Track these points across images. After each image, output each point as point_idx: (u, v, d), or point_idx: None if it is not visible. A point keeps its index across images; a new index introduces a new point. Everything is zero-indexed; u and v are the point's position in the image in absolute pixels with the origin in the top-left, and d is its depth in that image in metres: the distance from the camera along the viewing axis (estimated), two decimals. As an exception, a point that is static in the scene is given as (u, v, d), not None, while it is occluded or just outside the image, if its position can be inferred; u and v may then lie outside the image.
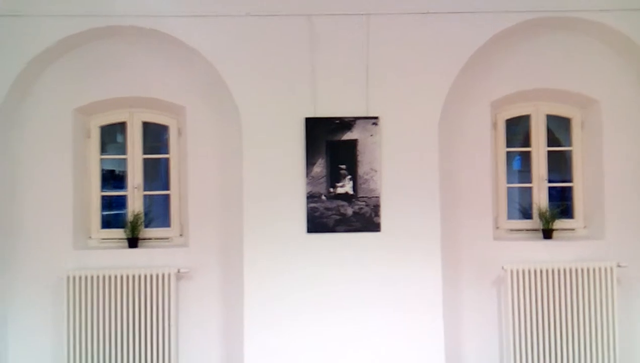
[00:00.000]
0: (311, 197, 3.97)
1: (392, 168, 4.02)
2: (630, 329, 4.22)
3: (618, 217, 4.26)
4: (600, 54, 4.26)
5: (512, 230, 4.44)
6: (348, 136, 4.00)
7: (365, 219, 3.98)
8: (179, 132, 4.36)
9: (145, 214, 4.34)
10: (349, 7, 3.98)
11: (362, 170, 3.99)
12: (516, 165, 4.52)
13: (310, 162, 3.98)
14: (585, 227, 4.44)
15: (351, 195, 3.98)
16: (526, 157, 4.54)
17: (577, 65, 4.25)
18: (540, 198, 4.42)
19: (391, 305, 3.98)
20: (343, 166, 3.99)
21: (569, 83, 4.27)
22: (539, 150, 4.43)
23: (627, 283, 4.21)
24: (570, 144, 4.49)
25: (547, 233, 4.33)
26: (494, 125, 4.40)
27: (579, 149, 4.47)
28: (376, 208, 3.99)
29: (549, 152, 4.45)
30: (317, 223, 3.97)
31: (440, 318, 3.99)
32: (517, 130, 4.62)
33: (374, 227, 3.98)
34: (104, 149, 4.46)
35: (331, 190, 3.98)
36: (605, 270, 4.11)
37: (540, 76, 4.25)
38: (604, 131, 4.29)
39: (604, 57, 4.26)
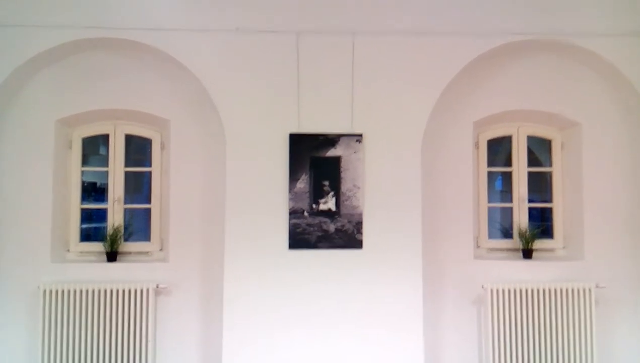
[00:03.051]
0: (294, 213, 3.96)
1: (375, 185, 4.03)
2: (608, 350, 4.25)
3: (597, 238, 4.32)
4: (583, 78, 4.35)
5: (492, 249, 4.47)
6: (332, 153, 4.01)
7: (347, 236, 3.98)
8: (163, 146, 4.34)
9: (125, 228, 4.29)
10: (336, 25, 4.03)
11: (345, 186, 4.00)
12: (497, 185, 4.57)
13: (293, 177, 3.98)
14: (564, 247, 4.49)
15: (334, 211, 3.98)
16: (507, 177, 4.59)
17: (559, 88, 4.33)
18: (521, 219, 4.47)
19: (372, 321, 3.97)
20: (326, 182, 4.00)
21: (551, 105, 4.34)
22: (519, 170, 4.49)
23: (606, 304, 4.26)
24: (550, 165, 4.56)
25: (527, 253, 4.37)
26: (476, 144, 4.45)
27: (559, 170, 4.54)
28: (358, 226, 3.99)
29: (529, 172, 4.51)
30: (299, 240, 3.95)
31: (420, 336, 3.97)
32: (498, 150, 4.68)
33: (356, 244, 3.98)
34: (85, 161, 4.42)
35: (314, 206, 3.98)
36: (584, 291, 4.15)
37: (522, 97, 4.33)
38: (584, 153, 4.36)
39: (587, 80, 4.35)
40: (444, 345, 4.24)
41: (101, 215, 4.34)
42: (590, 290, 4.14)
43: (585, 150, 4.36)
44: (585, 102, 4.35)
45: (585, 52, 4.18)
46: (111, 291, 3.96)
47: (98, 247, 4.23)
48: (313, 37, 4.04)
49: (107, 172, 4.32)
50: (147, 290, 3.98)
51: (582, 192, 4.36)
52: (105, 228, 4.27)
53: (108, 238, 4.17)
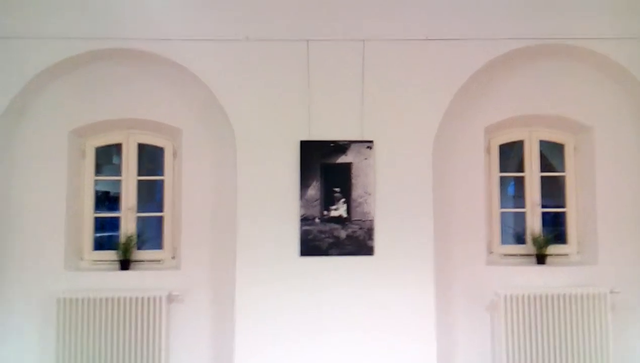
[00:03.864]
0: (305, 220, 3.97)
1: (386, 191, 4.03)
2: (624, 355, 4.19)
3: (611, 242, 4.27)
4: (595, 81, 4.32)
5: (505, 255, 4.44)
6: (342, 159, 4.02)
7: (358, 243, 3.97)
8: (175, 154, 4.37)
9: (138, 236, 4.32)
10: (346, 33, 4.05)
11: (356, 193, 4.00)
12: (510, 190, 4.54)
13: (304, 184, 3.99)
14: (578, 252, 4.44)
15: (345, 218, 3.98)
16: (520, 182, 4.56)
17: (571, 92, 4.31)
18: (534, 224, 4.43)
19: (384, 329, 3.95)
20: (337, 189, 4.00)
21: (563, 109, 4.32)
22: (532, 175, 4.45)
23: (621, 309, 4.20)
24: (563, 170, 4.53)
25: (541, 259, 4.33)
26: (488, 150, 4.43)
27: (572, 175, 4.50)
28: (370, 232, 3.98)
29: (542, 177, 4.47)
30: (310, 246, 3.95)
31: (433, 343, 3.95)
32: (510, 154, 4.65)
33: (368, 250, 3.97)
34: (99, 170, 4.47)
35: (325, 213, 3.98)
36: (599, 296, 4.09)
37: (534, 102, 4.31)
38: (597, 157, 4.33)
39: (599, 84, 4.32)
40: (456, 351, 4.20)
41: (114, 223, 4.38)
42: (605, 295, 4.09)
43: (598, 154, 4.33)
44: (597, 105, 4.32)
45: (596, 56, 4.16)
46: (124, 299, 3.98)
47: (111, 255, 4.27)
48: (323, 45, 4.06)
49: (120, 181, 4.36)
50: (160, 298, 3.99)
51: (595, 197, 4.32)
52: (118, 236, 4.32)
53: (121, 246, 4.21)
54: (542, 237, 4.36)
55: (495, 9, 4.08)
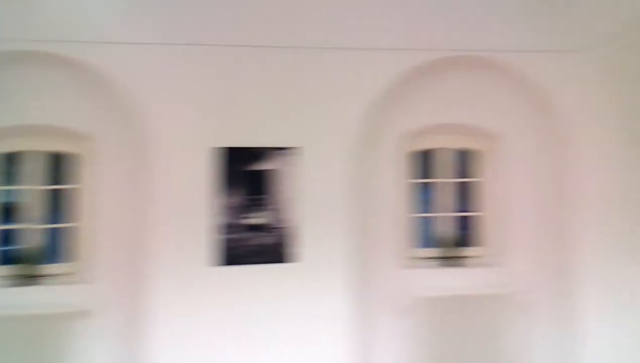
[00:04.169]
0: (225, 228, 3.90)
1: (307, 198, 4.04)
2: (531, 353, 4.43)
3: (521, 245, 4.52)
4: (504, 91, 4.53)
5: (420, 258, 4.57)
6: (264, 166, 4.00)
7: (280, 250, 3.96)
8: (87, 162, 4.15)
9: (45, 249, 4.06)
10: (267, 39, 4.02)
11: (278, 200, 3.99)
12: (425, 195, 4.70)
13: (225, 192, 3.93)
14: (490, 255, 4.66)
15: (267, 225, 3.96)
16: (434, 188, 4.73)
17: (481, 101, 4.51)
18: (448, 228, 4.62)
19: (305, 336, 3.96)
20: (259, 196, 3.98)
21: (475, 118, 4.53)
22: (446, 181, 4.65)
23: (528, 309, 4.43)
24: (476, 175, 4.75)
25: (454, 261, 4.51)
26: (404, 156, 4.55)
27: (484, 180, 4.73)
28: (291, 239, 3.98)
29: (457, 182, 4.68)
30: (230, 255, 3.89)
31: (350, 348, 4.00)
32: (425, 161, 4.79)
33: (289, 258, 3.97)
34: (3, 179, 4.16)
35: (246, 220, 3.94)
36: (508, 296, 4.33)
37: (447, 111, 4.48)
38: (507, 163, 4.59)
39: (506, 93, 4.54)
40: (375, 355, 4.25)
41: (19, 236, 4.09)
42: (513, 295, 4.33)
43: (507, 161, 4.59)
44: (506, 114, 4.55)
45: (506, 68, 4.37)
46: (31, 316, 3.74)
47: (16, 269, 3.98)
48: (243, 51, 4.02)
49: (25, 191, 4.09)
50: (68, 314, 3.80)
51: (505, 201, 4.58)
52: (23, 249, 4.03)
53: (26, 260, 3.94)
54: (455, 241, 4.56)
55: (412, 20, 4.18)
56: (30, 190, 4.10)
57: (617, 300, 4.22)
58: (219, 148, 3.95)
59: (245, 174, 3.97)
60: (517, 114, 4.57)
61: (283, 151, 4.03)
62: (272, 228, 3.97)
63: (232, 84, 4.01)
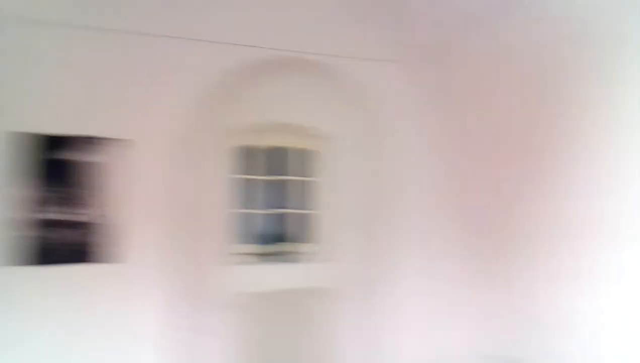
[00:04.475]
0: (28, 223, 3.46)
1: (133, 194, 3.75)
2: (355, 343, 4.65)
3: (349, 241, 4.73)
4: (334, 94, 4.64)
5: (245, 254, 4.53)
6: (78, 157, 3.62)
7: (94, 249, 3.62)
8: None
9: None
10: (102, 22, 3.72)
11: (98, 195, 3.65)
12: (253, 191, 4.76)
13: (26, 183, 3.49)
14: (320, 251, 4.78)
15: (81, 222, 3.59)
16: (264, 184, 4.73)
17: (313, 103, 4.61)
18: (275, 224, 4.67)
19: (122, 340, 3.67)
20: (69, 189, 3.58)
21: (308, 118, 4.63)
22: (276, 178, 4.71)
23: (355, 302, 4.66)
24: (308, 175, 4.86)
25: (281, 257, 4.61)
26: (232, 152, 4.50)
27: (315, 178, 4.85)
28: (112, 238, 3.66)
29: (287, 180, 4.76)
30: (37, 254, 3.46)
31: (172, 347, 3.84)
32: (257, 158, 4.76)
33: (106, 258, 3.63)
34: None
35: (54, 216, 3.52)
36: (334, 290, 4.55)
37: (278, 110, 4.51)
38: (338, 163, 4.79)
39: (337, 96, 4.65)
40: (200, 353, 4.16)
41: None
42: (339, 290, 4.55)
43: (339, 161, 4.79)
44: (336, 116, 4.70)
45: (335, 72, 4.49)
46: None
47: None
48: (51, 30, 3.60)
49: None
50: None
51: (336, 199, 4.77)
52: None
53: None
54: (281, 237, 4.65)
55: (248, 17, 4.15)
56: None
57: (434, 295, 4.54)
58: (21, 133, 3.48)
59: (56, 164, 3.57)
60: (346, 116, 4.72)
61: (108, 141, 3.69)
62: (87, 225, 3.61)
63: (40, 65, 3.60)
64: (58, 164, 3.59)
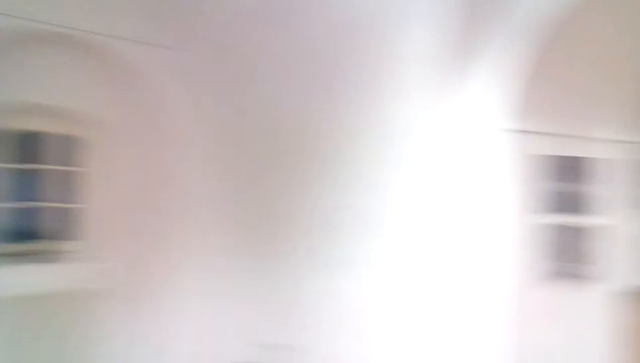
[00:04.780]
0: None
1: None
2: (128, 344, 4.39)
3: (120, 239, 4.35)
4: (105, 76, 4.23)
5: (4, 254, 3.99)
6: None
7: None
8: None
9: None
10: None
11: None
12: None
13: None
14: (82, 249, 4.32)
15: None
16: (12, 173, 4.10)
17: (76, 84, 4.13)
18: (27, 219, 4.12)
19: None
20: None
21: (68, 100, 4.09)
22: (29, 166, 4.12)
23: (120, 304, 4.34)
24: (72, 164, 4.31)
25: (35, 257, 4.08)
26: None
27: (82, 169, 4.33)
28: None
29: (45, 169, 4.18)
30: None
31: None
32: (4, 143, 4.14)
33: None
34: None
35: None
36: (97, 292, 4.19)
37: (36, 90, 3.95)
38: (112, 152, 4.34)
39: (109, 80, 4.24)
40: None
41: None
42: (105, 292, 4.21)
43: (113, 150, 4.34)
44: (109, 101, 4.28)
45: (107, 53, 4.07)
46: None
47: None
48: None
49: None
50: None
51: (110, 192, 4.33)
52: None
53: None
54: (50, 234, 4.17)
55: None
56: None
57: (212, 292, 4.38)
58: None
59: None
60: (119, 103, 4.31)
61: None
62: None
63: None
64: None
